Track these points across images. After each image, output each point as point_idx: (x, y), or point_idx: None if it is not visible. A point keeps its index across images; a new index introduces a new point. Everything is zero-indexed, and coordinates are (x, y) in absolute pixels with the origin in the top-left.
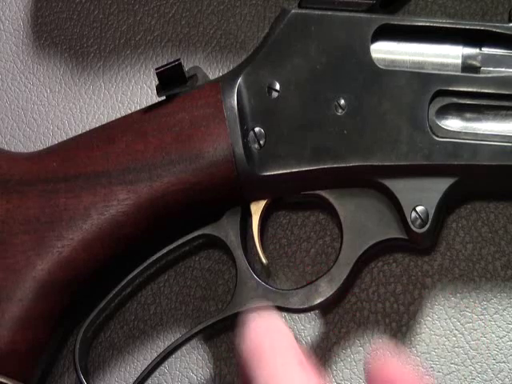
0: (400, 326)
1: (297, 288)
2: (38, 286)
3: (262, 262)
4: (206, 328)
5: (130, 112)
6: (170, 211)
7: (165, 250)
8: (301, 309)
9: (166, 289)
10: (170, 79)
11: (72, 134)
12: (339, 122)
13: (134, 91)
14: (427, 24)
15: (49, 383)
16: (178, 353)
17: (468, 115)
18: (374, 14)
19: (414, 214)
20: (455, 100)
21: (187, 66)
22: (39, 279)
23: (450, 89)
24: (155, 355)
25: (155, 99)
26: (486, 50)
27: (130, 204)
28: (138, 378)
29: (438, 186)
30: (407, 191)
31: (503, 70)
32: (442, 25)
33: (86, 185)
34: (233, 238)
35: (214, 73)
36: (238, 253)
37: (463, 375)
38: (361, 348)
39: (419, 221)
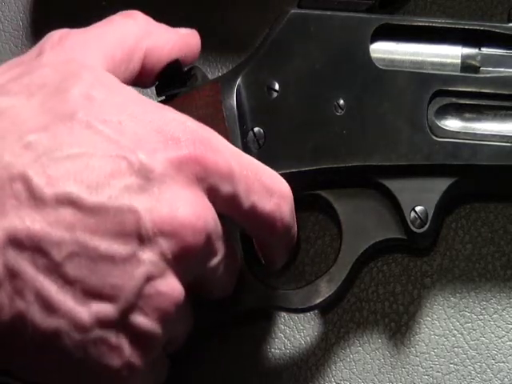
0: (399, 326)
1: (297, 288)
2: None
3: (262, 262)
4: (206, 328)
5: None
6: None
7: None
8: (300, 309)
9: None
10: (170, 79)
11: None
12: (339, 122)
13: None
14: (427, 24)
15: None
16: (179, 353)
17: (467, 115)
18: (373, 14)
19: (413, 214)
20: (454, 100)
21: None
22: None
23: (450, 89)
24: None
25: (155, 99)
26: (485, 50)
27: None
28: None
29: (438, 186)
30: (406, 191)
31: (502, 70)
32: (441, 25)
33: None
34: (233, 238)
35: (213, 73)
36: (238, 253)
37: (462, 375)
38: (360, 348)
39: (419, 221)
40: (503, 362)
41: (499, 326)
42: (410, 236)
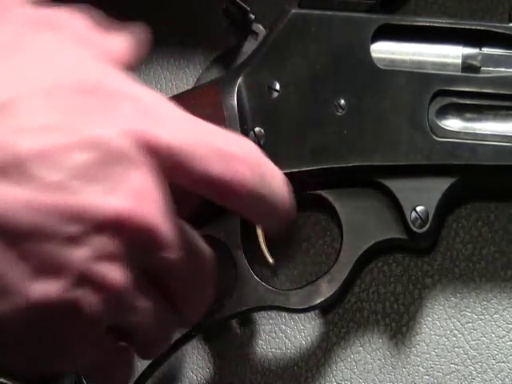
0: (400, 326)
1: (297, 288)
2: None
3: (268, 263)
4: (206, 328)
5: None
6: None
7: None
8: (301, 309)
9: None
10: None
11: None
12: (339, 122)
13: None
14: (427, 24)
15: (49, 383)
16: (178, 353)
17: (468, 115)
18: (373, 14)
19: (414, 214)
20: (455, 100)
21: (187, 66)
22: None
23: (450, 89)
24: None
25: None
26: (486, 50)
27: None
28: (137, 379)
29: (438, 186)
30: (407, 191)
31: (503, 70)
32: (442, 25)
33: None
34: (233, 238)
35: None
36: (238, 253)
37: (463, 375)
38: (361, 348)
39: (419, 221)
40: (504, 362)
41: (500, 326)
42: (410, 236)
